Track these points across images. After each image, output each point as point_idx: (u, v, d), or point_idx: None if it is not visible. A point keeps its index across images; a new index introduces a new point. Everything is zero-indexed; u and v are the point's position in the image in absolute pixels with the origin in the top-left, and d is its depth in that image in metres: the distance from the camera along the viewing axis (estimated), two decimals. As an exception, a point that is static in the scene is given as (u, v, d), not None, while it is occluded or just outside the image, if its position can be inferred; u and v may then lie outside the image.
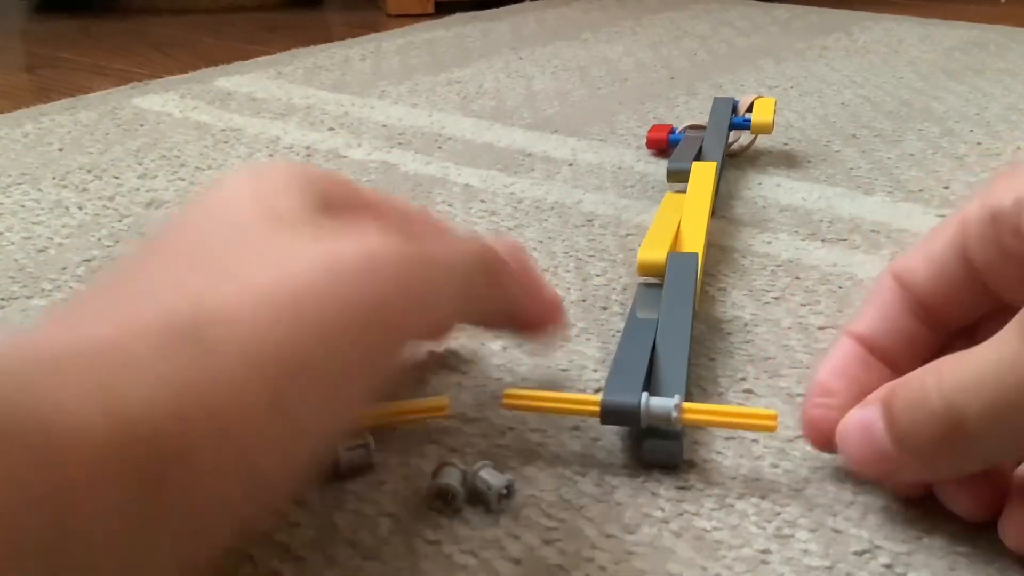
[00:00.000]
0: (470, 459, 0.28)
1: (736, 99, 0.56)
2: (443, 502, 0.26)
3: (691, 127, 0.55)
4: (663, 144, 0.55)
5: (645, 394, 0.27)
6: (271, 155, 0.56)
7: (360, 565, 0.24)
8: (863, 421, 0.24)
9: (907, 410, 0.23)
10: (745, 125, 0.53)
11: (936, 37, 0.88)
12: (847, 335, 0.28)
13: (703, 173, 0.44)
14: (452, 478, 0.26)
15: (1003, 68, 0.77)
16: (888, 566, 0.24)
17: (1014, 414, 0.21)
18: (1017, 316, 0.21)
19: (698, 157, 0.48)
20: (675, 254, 0.36)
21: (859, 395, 0.25)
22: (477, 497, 0.26)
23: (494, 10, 1.01)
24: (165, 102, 0.67)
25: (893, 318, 0.27)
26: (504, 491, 0.26)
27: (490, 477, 0.26)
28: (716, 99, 0.56)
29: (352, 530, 0.25)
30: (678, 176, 0.46)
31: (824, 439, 0.26)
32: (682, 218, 0.40)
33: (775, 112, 0.53)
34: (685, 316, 0.32)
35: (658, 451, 0.28)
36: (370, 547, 0.25)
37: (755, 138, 0.55)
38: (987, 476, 0.24)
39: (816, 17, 0.99)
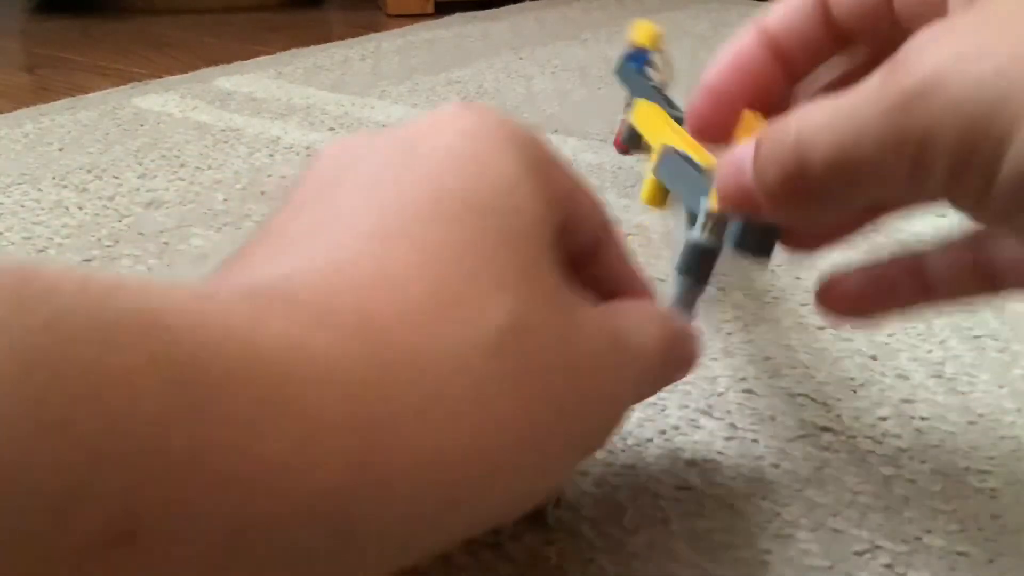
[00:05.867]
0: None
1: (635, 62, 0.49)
2: None
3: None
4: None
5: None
6: (271, 155, 0.56)
7: (360, 565, 0.24)
8: (739, 154, 0.23)
9: (767, 143, 0.22)
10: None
11: (936, 37, 0.88)
12: (754, 26, 0.27)
13: (645, 109, 0.42)
14: None
15: (1003, 68, 0.76)
16: (888, 566, 0.24)
17: (850, 162, 0.20)
18: (882, 65, 0.20)
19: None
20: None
21: (751, 90, 0.25)
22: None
23: (494, 10, 1.02)
24: (165, 102, 0.67)
25: (803, 19, 0.26)
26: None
27: None
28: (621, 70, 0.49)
29: (352, 530, 0.25)
30: (633, 141, 0.44)
31: (706, 129, 0.26)
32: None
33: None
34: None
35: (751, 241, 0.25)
36: (370, 547, 0.25)
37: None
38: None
39: (816, 17, 0.99)
